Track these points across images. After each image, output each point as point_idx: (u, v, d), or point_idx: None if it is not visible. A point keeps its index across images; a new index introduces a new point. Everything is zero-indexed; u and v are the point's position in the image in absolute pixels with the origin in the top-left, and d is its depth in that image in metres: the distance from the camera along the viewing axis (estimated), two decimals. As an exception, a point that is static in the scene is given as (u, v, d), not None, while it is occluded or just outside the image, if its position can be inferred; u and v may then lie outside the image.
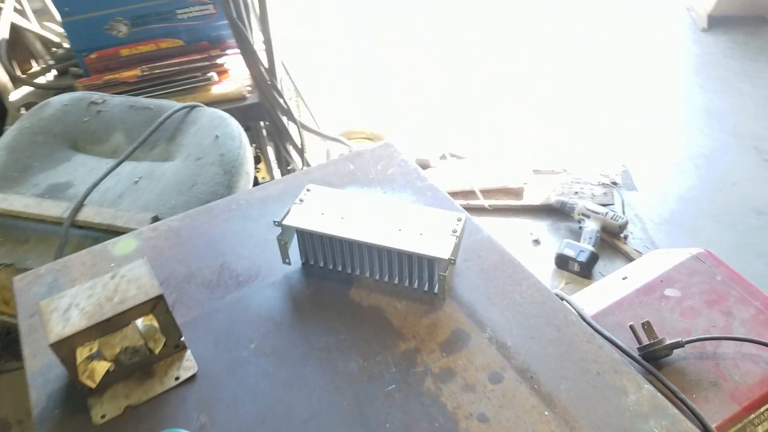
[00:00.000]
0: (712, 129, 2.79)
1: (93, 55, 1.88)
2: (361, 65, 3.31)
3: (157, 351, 0.77)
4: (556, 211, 2.45)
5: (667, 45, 3.48)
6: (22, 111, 1.90)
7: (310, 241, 0.90)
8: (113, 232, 1.15)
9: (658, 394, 0.73)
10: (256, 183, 1.57)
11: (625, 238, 2.33)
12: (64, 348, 0.71)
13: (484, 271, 0.90)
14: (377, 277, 0.90)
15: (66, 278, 0.93)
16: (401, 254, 0.86)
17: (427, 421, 0.72)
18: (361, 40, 3.52)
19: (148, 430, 0.73)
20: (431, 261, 0.85)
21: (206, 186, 1.25)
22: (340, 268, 0.91)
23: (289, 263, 0.92)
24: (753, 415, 0.99)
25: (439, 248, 0.82)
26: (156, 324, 0.76)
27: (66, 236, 1.17)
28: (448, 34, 3.66)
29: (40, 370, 0.80)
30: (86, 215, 1.20)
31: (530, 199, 2.49)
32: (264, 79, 1.82)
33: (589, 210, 2.33)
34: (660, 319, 1.14)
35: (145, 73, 1.84)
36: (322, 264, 0.92)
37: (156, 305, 0.75)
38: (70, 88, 1.82)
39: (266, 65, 1.83)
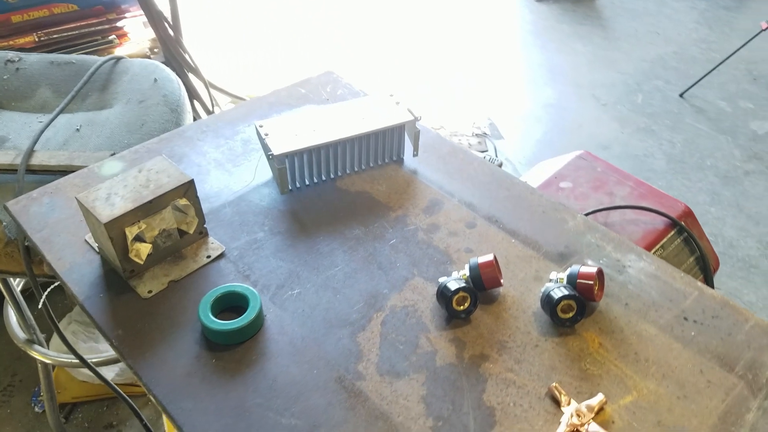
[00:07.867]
0: (556, 82, 3.24)
1: (-20, 23, 1.81)
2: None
3: (191, 231, 0.88)
4: (439, 160, 2.72)
5: (509, 14, 3.92)
6: None
7: (299, 161, 1.00)
8: (71, 172, 1.19)
9: (589, 218, 0.97)
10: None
11: (501, 176, 2.66)
12: (115, 228, 0.80)
13: (441, 157, 1.10)
14: (356, 168, 1.06)
15: (62, 197, 0.98)
16: (377, 134, 1.03)
17: (428, 258, 0.90)
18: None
19: (196, 296, 0.84)
20: (400, 128, 1.05)
21: (156, 124, 1.31)
22: (324, 178, 1.04)
23: (291, 190, 1.02)
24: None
25: (401, 116, 1.04)
26: (191, 204, 0.87)
27: (23, 180, 1.19)
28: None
29: (70, 269, 0.87)
30: (40, 159, 1.22)
31: (416, 150, 2.74)
32: (169, 37, 1.87)
33: (468, 154, 2.62)
34: (560, 203, 1.42)
35: (42, 39, 1.80)
36: (308, 182, 1.03)
37: (188, 189, 0.86)
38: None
39: (170, 21, 1.88)
